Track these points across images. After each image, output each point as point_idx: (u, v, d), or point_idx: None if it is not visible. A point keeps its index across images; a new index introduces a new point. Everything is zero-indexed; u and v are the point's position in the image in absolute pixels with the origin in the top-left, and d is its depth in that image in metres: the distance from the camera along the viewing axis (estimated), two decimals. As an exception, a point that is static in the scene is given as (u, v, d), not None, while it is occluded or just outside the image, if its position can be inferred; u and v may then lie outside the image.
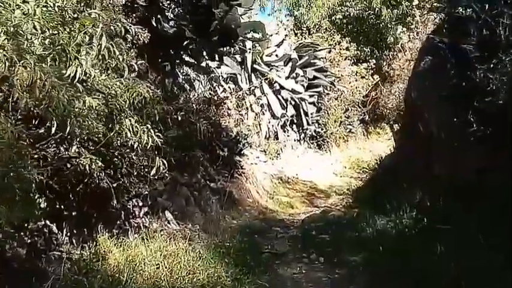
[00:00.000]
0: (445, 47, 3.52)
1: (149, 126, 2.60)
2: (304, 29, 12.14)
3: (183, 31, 4.37)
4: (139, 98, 2.59)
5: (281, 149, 9.33)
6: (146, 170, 3.02)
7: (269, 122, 9.45)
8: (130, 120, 2.47)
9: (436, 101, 3.67)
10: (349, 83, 11.50)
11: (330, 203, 7.33)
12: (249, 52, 8.64)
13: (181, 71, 6.71)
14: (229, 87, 8.56)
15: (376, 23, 13.12)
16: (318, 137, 10.62)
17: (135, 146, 2.54)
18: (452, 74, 3.34)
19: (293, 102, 9.77)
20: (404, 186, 4.10)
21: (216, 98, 6.61)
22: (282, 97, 9.55)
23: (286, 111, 9.64)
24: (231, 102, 8.04)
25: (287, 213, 6.48)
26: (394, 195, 4.17)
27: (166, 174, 3.03)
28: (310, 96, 10.04)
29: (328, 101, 10.91)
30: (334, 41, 11.71)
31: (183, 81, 6.57)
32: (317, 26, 12.52)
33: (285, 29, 11.63)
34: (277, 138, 9.48)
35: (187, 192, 5.15)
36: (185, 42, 4.83)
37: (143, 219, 3.62)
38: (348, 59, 11.42)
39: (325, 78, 9.99)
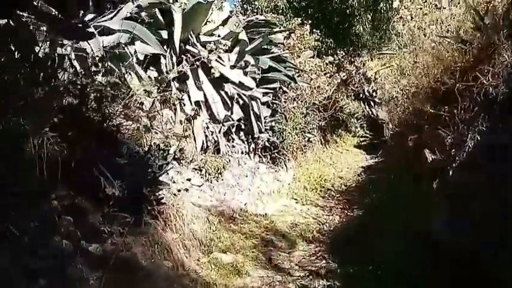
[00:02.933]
0: None
1: None
2: (255, 6, 9.50)
3: None
4: None
5: (223, 166, 6.59)
6: None
7: (207, 128, 6.68)
8: None
9: None
10: (311, 80, 9.02)
11: (298, 259, 4.68)
12: (178, 24, 5.85)
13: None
14: (149, 72, 5.71)
15: (342, 8, 10.75)
16: (272, 148, 7.98)
17: None
18: None
19: (241, 102, 7.06)
20: None
21: (103, 88, 3.66)
22: (226, 93, 6.82)
23: (232, 113, 6.91)
24: (148, 97, 5.16)
25: (231, 289, 3.76)
26: None
27: None
28: (264, 94, 7.38)
29: (285, 102, 8.32)
30: (292, 24, 9.14)
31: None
32: (270, 6, 9.93)
33: (231, 5, 8.96)
34: (219, 151, 6.73)
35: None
36: None
37: None
38: (311, 49, 8.89)
39: (284, 70, 7.35)
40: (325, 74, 8.98)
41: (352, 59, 11.75)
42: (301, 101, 8.53)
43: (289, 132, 8.17)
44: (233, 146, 7.25)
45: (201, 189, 6.05)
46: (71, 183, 3.20)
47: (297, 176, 8.63)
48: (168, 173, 5.33)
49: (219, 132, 6.80)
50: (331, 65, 9.01)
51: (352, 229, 5.45)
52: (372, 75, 13.48)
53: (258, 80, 7.11)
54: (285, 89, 8.02)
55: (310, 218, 6.42)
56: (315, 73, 8.79)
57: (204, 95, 6.55)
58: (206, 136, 6.62)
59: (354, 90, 13.94)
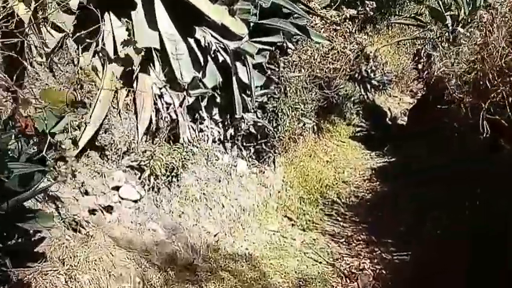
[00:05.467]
0: None
1: None
2: None
3: None
4: None
5: (182, 164, 3.86)
6: None
7: (160, 96, 3.88)
8: None
9: None
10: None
11: None
12: None
13: None
14: None
15: None
16: (259, 136, 5.29)
17: None
18: None
19: (220, 59, 4.27)
20: None
21: None
22: (198, 42, 4.03)
23: (204, 75, 4.16)
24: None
25: None
26: None
27: None
28: (259, 51, 4.59)
29: (284, 68, 5.60)
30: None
31: None
32: None
33: None
34: (177, 138, 3.98)
35: None
36: None
37: None
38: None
39: (300, 11, 4.57)
40: (342, 34, 6.29)
41: (364, 24, 9.09)
42: (306, 70, 5.86)
43: (286, 114, 5.49)
44: (201, 130, 4.48)
45: (137, 206, 3.31)
46: None
47: (289, 179, 6.02)
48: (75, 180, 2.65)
49: (181, 105, 4.02)
50: (351, 22, 6.30)
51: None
52: (371, 52, 11.15)
53: (252, 26, 4.33)
54: (287, 47, 5.28)
55: (323, 263, 3.84)
56: (327, 29, 6.08)
57: (161, 39, 3.74)
58: (157, 110, 3.84)
59: (346, 68, 11.49)
